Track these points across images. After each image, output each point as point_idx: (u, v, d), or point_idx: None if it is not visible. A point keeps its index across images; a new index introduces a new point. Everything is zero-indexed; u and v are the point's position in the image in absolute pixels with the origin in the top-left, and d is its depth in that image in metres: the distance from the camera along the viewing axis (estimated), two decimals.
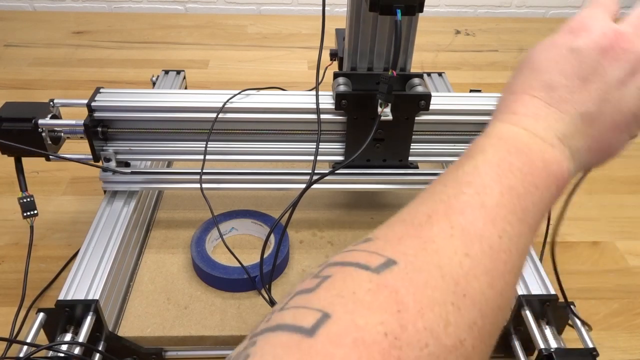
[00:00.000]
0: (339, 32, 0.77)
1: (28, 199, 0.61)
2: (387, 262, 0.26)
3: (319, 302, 0.25)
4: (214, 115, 0.63)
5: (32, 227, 0.63)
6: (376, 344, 0.22)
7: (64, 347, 0.51)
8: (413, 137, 0.66)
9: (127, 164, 0.68)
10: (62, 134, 0.64)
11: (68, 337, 0.53)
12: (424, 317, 0.24)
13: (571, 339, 0.55)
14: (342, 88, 0.63)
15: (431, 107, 0.63)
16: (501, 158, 0.32)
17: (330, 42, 0.77)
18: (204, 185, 0.64)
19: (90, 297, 0.54)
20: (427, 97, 0.62)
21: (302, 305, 0.25)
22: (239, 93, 0.65)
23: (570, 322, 0.57)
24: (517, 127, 0.34)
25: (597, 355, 0.51)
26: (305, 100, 0.64)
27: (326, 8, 0.60)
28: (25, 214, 0.61)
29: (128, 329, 0.59)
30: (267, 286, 0.59)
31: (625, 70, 0.35)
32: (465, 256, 0.27)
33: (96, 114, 0.63)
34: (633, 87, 0.34)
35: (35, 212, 0.62)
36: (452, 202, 0.30)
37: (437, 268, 0.26)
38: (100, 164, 0.66)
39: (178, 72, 0.96)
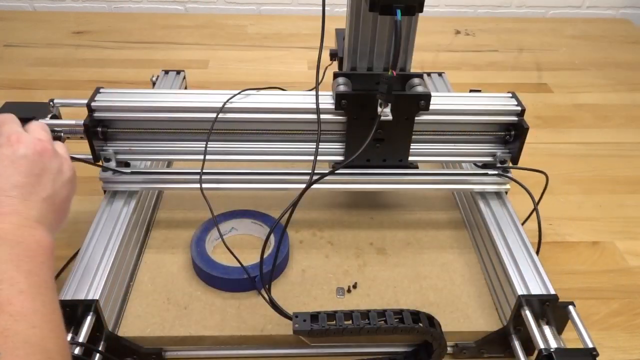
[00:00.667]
0: (339, 32, 0.77)
1: None
2: None
3: None
4: (214, 115, 0.63)
5: None
6: None
7: None
8: (413, 137, 0.66)
9: (127, 164, 0.68)
10: (62, 134, 0.64)
11: (68, 337, 0.53)
12: None
13: (571, 339, 0.55)
14: (342, 88, 0.63)
15: (431, 107, 0.63)
16: (10, 254, 0.41)
17: (330, 42, 0.77)
18: (204, 185, 0.64)
19: (90, 297, 0.54)
20: (427, 97, 0.62)
21: None
22: (238, 93, 0.65)
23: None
24: (6, 223, 0.44)
25: (597, 355, 0.51)
26: (305, 100, 0.64)
27: (326, 8, 0.60)
28: None
29: (128, 329, 0.59)
30: (267, 286, 0.59)
31: (57, 162, 0.50)
32: (35, 329, 0.38)
33: (96, 114, 0.63)
34: (65, 173, 0.51)
35: None
36: None
37: (26, 343, 0.37)
38: (100, 164, 0.66)
39: (178, 72, 0.96)
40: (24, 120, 0.60)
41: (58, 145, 0.52)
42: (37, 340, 0.37)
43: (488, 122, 0.67)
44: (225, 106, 0.63)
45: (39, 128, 0.52)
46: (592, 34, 1.41)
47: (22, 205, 0.45)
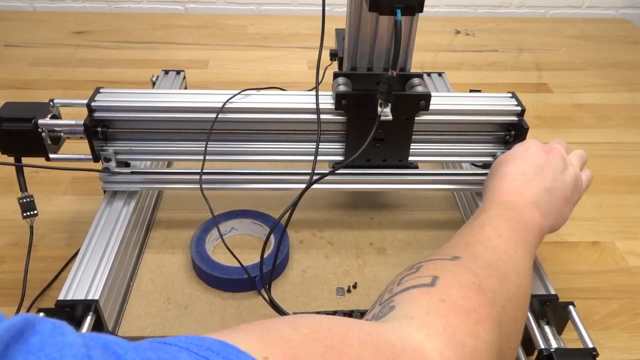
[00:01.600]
0: (339, 32, 0.77)
1: (28, 199, 0.61)
2: (454, 257, 0.43)
3: (428, 272, 0.40)
4: (213, 115, 0.63)
5: (31, 227, 0.63)
6: (473, 285, 0.39)
7: None
8: (413, 137, 0.66)
9: (127, 164, 0.68)
10: (62, 134, 0.64)
11: None
12: (488, 280, 0.40)
13: (571, 339, 0.55)
14: (342, 88, 0.63)
15: (431, 107, 0.63)
16: (503, 213, 0.49)
17: (330, 42, 0.77)
18: (203, 185, 0.64)
19: (90, 297, 0.54)
20: (427, 97, 0.62)
21: (417, 276, 0.40)
22: (238, 93, 0.65)
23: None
24: (507, 196, 0.52)
25: (597, 355, 0.51)
26: (305, 100, 0.64)
27: (326, 8, 0.60)
28: (25, 214, 0.61)
29: (128, 329, 0.59)
30: (267, 286, 0.59)
31: (562, 163, 0.55)
32: (499, 259, 0.44)
33: (96, 114, 0.63)
34: (567, 175, 0.54)
35: (35, 212, 0.62)
36: (479, 234, 0.47)
37: (485, 261, 0.43)
38: (100, 164, 0.66)
39: (178, 72, 0.96)
40: (24, 121, 0.61)
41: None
42: (500, 268, 0.43)
43: (488, 122, 0.67)
44: (225, 106, 0.63)
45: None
46: (592, 34, 1.41)
47: (523, 187, 0.52)
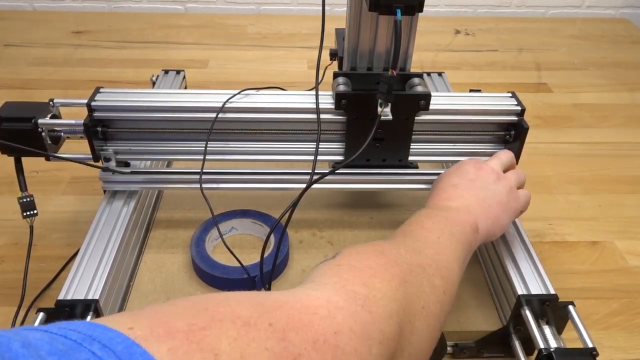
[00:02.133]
0: (338, 32, 0.77)
1: (28, 199, 0.61)
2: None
3: (336, 253, 0.44)
4: (213, 115, 0.63)
5: (31, 227, 0.63)
6: (374, 251, 0.43)
7: None
8: (413, 137, 0.66)
9: (126, 164, 0.68)
10: (62, 133, 0.64)
11: None
12: (393, 249, 0.45)
13: (571, 339, 0.55)
14: (342, 88, 0.63)
15: (431, 107, 0.63)
16: (430, 213, 0.54)
17: (330, 42, 0.77)
18: (204, 185, 0.64)
19: (90, 297, 0.54)
20: (427, 97, 0.62)
21: (329, 258, 0.44)
22: (238, 93, 0.65)
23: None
24: (439, 203, 0.56)
25: (597, 355, 0.51)
26: (305, 100, 0.64)
27: (326, 8, 0.60)
28: (25, 214, 0.61)
29: None
30: (267, 286, 0.59)
31: (493, 176, 0.58)
32: (415, 240, 0.49)
33: (96, 114, 0.63)
34: (499, 185, 0.58)
35: (35, 211, 0.62)
36: (402, 229, 0.52)
37: (397, 240, 0.49)
38: (100, 163, 0.66)
39: (178, 72, 0.96)
40: (24, 120, 0.60)
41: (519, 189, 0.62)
42: (413, 245, 0.47)
43: (488, 122, 0.67)
44: (225, 106, 0.63)
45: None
46: (592, 34, 1.41)
47: (455, 195, 0.56)
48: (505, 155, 0.62)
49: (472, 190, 0.56)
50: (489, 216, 0.55)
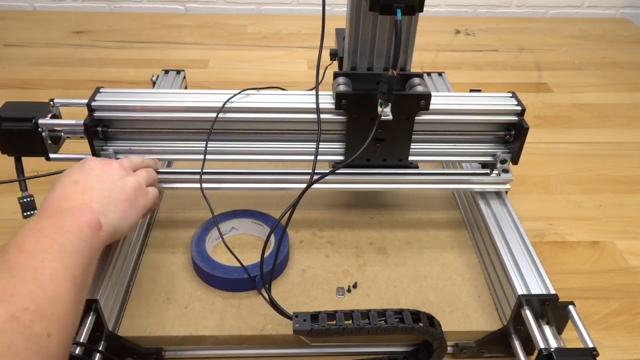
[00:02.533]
0: (339, 32, 0.77)
1: (28, 199, 0.61)
2: None
3: None
4: (214, 115, 0.63)
5: None
6: None
7: None
8: (413, 137, 0.66)
9: None
10: (62, 133, 0.64)
11: None
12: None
13: (571, 339, 0.55)
14: (342, 88, 0.63)
15: (431, 107, 0.63)
16: (36, 225, 0.47)
17: (330, 42, 0.77)
18: (204, 185, 0.64)
19: (90, 297, 0.54)
20: (427, 97, 0.62)
21: None
22: (238, 93, 0.65)
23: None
24: (54, 205, 0.51)
25: (597, 355, 0.51)
26: (305, 100, 0.64)
27: (326, 8, 0.60)
28: (25, 214, 0.61)
29: (128, 329, 0.59)
30: (267, 286, 0.59)
31: (120, 172, 0.57)
32: (11, 275, 0.42)
33: (96, 114, 0.63)
34: (127, 181, 0.57)
35: (36, 211, 0.62)
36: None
37: None
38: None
39: (178, 72, 0.96)
40: (24, 120, 0.60)
41: (149, 186, 0.60)
42: (9, 279, 0.41)
43: (488, 122, 0.67)
44: (226, 106, 0.63)
45: (141, 171, 0.61)
46: (592, 34, 1.41)
47: (74, 193, 0.52)
48: (136, 158, 0.62)
49: (96, 185, 0.53)
50: (116, 210, 0.53)
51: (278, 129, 0.66)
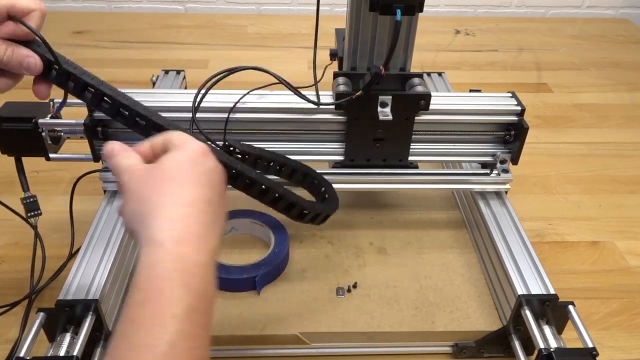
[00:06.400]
0: (339, 32, 0.77)
1: (31, 199, 0.61)
2: None
3: None
4: (214, 115, 0.63)
5: (35, 227, 0.63)
6: None
7: (64, 347, 0.51)
8: (413, 137, 0.66)
9: None
10: (62, 133, 0.64)
11: (68, 336, 0.53)
12: None
13: (571, 339, 0.55)
14: (342, 88, 0.63)
15: (431, 107, 0.63)
16: (190, 322, 0.34)
17: (330, 42, 0.77)
18: None
19: (90, 297, 0.54)
20: (427, 97, 0.62)
21: None
22: (247, 93, 0.65)
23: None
24: (195, 255, 0.36)
25: (597, 355, 0.51)
26: (305, 100, 0.64)
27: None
28: (29, 214, 0.61)
29: None
30: (267, 286, 0.59)
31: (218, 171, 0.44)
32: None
33: (96, 114, 0.63)
34: None
35: (39, 211, 0.62)
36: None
37: None
38: (100, 163, 0.66)
39: (178, 72, 0.96)
40: (24, 120, 0.60)
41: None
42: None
43: (488, 122, 0.67)
44: (225, 106, 0.63)
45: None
46: (592, 34, 1.41)
47: (209, 230, 0.38)
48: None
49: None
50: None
51: (278, 129, 0.66)
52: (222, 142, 0.53)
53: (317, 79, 0.64)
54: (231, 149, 0.53)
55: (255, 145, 0.56)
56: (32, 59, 0.47)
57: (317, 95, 0.63)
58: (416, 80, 0.64)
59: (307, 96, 0.64)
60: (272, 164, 0.58)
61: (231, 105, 0.63)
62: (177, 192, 0.38)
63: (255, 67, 0.65)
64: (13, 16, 0.45)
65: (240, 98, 0.64)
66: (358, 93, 0.59)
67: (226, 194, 0.43)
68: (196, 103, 0.62)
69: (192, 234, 0.37)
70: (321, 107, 0.63)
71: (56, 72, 0.49)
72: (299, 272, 0.66)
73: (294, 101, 0.65)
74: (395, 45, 0.54)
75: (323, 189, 0.60)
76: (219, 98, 0.64)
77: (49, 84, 0.49)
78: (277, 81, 0.63)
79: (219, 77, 0.62)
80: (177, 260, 0.35)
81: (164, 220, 0.37)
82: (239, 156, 0.53)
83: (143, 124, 0.50)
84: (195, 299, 0.34)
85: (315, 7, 0.61)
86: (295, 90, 0.62)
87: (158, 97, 0.65)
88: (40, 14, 0.47)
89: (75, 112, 0.64)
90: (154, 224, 0.37)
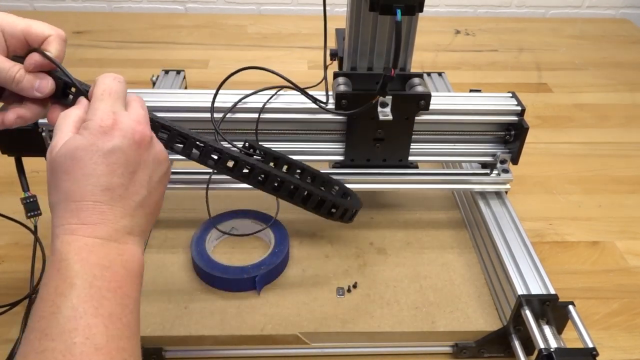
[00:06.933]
0: (339, 32, 0.77)
1: (31, 199, 0.61)
2: None
3: None
4: (214, 115, 0.63)
5: (36, 227, 0.63)
6: None
7: None
8: (413, 137, 0.66)
9: None
10: None
11: None
12: None
13: (571, 339, 0.55)
14: (342, 88, 0.63)
15: (431, 107, 0.63)
16: (91, 287, 0.36)
17: (330, 42, 0.77)
18: (203, 185, 0.64)
19: None
20: (427, 97, 0.62)
21: None
22: (253, 93, 0.65)
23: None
24: (91, 238, 0.38)
25: (597, 355, 0.51)
26: (305, 99, 0.64)
27: (326, 8, 0.60)
28: (29, 215, 0.61)
29: None
30: (267, 286, 0.59)
31: (154, 150, 0.43)
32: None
33: None
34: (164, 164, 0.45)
35: (39, 211, 0.62)
36: (68, 358, 0.34)
37: None
38: None
39: (178, 72, 0.96)
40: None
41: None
42: None
43: (488, 122, 0.67)
44: (225, 106, 0.63)
45: (138, 105, 0.43)
46: (592, 34, 1.41)
47: (111, 213, 0.39)
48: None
49: (134, 194, 0.42)
50: (149, 216, 0.44)
51: (278, 129, 0.66)
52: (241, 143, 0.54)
53: (320, 80, 0.64)
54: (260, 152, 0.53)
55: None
56: (44, 81, 0.46)
57: (327, 96, 0.63)
58: (416, 80, 0.64)
59: (312, 97, 0.64)
60: (295, 168, 0.59)
61: (237, 104, 0.63)
62: (70, 188, 0.40)
63: (263, 67, 0.67)
64: (36, 48, 0.44)
65: (243, 98, 0.64)
66: (376, 98, 0.59)
67: (154, 158, 0.43)
68: (213, 103, 0.62)
69: (85, 223, 0.38)
70: (321, 107, 0.63)
71: (74, 96, 0.48)
72: (299, 272, 0.66)
73: (298, 101, 0.64)
74: (400, 45, 0.54)
75: (345, 193, 0.62)
76: (225, 98, 0.64)
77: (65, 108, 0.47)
78: (283, 82, 0.64)
79: (235, 72, 0.63)
80: (70, 243, 0.38)
81: (58, 218, 0.40)
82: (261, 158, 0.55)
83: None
84: (97, 268, 0.37)
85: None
86: (305, 93, 0.62)
87: (158, 97, 0.65)
88: (58, 39, 0.46)
89: None
90: (54, 220, 0.41)
